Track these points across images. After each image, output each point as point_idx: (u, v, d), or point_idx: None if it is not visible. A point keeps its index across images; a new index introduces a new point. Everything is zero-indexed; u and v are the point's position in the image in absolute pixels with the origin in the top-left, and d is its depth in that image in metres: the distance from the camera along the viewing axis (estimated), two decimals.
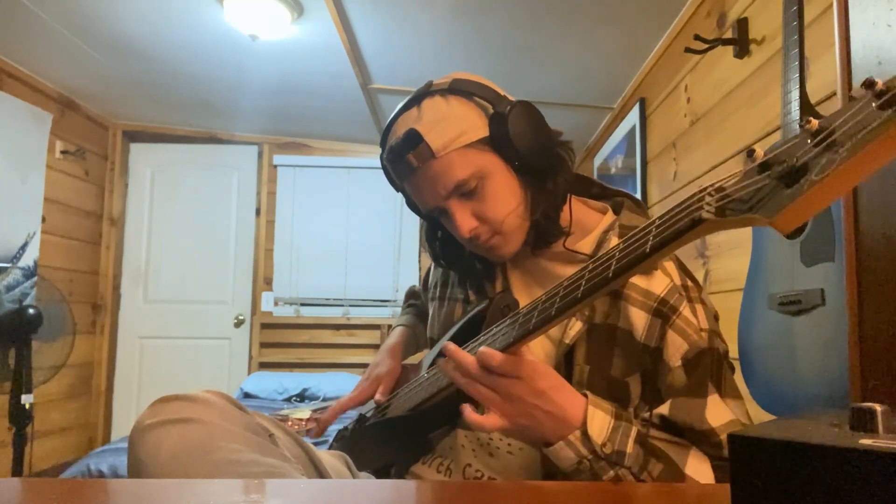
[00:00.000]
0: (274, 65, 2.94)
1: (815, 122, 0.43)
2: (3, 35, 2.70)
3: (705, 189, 0.53)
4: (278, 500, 0.54)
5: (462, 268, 1.01)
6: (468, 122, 0.84)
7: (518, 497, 0.57)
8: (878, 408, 0.40)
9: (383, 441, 0.99)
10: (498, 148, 0.84)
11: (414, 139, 0.82)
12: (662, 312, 0.81)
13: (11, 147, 2.99)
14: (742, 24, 1.77)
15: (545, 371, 0.72)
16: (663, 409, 0.79)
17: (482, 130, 0.84)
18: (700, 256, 2.07)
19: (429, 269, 1.18)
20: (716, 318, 0.87)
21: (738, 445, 0.40)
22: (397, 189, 0.95)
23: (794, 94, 1.17)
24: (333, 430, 1.22)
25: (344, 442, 1.08)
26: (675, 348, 0.80)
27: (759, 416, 1.31)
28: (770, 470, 0.38)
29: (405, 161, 0.84)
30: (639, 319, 0.82)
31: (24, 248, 3.06)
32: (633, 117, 2.83)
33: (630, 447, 0.71)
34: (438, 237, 1.00)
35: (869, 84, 0.39)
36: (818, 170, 0.42)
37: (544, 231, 0.88)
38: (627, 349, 0.82)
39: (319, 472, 0.88)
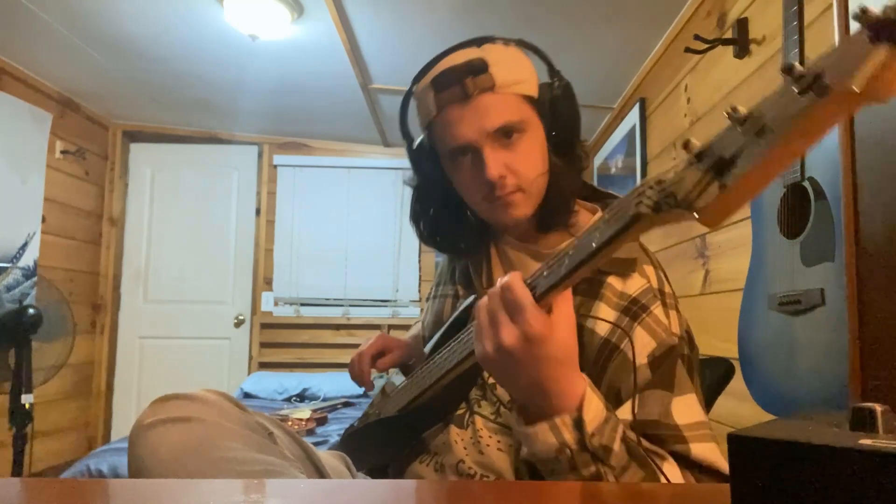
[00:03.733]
0: (274, 65, 2.94)
1: (742, 110, 0.41)
2: (3, 35, 2.70)
3: (647, 182, 0.51)
4: (278, 500, 0.54)
5: (449, 247, 1.00)
6: (528, 73, 0.85)
7: (517, 497, 0.57)
8: (878, 408, 0.40)
9: (378, 441, 1.00)
10: (542, 112, 0.85)
11: (479, 66, 0.81)
12: (632, 311, 0.80)
13: (11, 147, 2.99)
14: (742, 24, 1.77)
15: (551, 339, 0.61)
16: (626, 412, 0.75)
17: (535, 89, 0.85)
18: (700, 256, 2.07)
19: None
20: (690, 337, 0.85)
21: (738, 445, 0.40)
22: (423, 125, 0.90)
23: None
24: (334, 429, 1.22)
25: (341, 442, 1.08)
26: (643, 345, 0.78)
27: (759, 416, 1.31)
28: (770, 470, 0.38)
29: (461, 85, 0.81)
30: (607, 316, 0.81)
31: (24, 248, 3.06)
32: (633, 117, 2.83)
33: (617, 444, 0.65)
34: (430, 214, 0.98)
35: (787, 69, 0.38)
36: (742, 160, 0.41)
37: (555, 209, 0.88)
38: (588, 347, 0.80)
39: (319, 471, 0.88)
